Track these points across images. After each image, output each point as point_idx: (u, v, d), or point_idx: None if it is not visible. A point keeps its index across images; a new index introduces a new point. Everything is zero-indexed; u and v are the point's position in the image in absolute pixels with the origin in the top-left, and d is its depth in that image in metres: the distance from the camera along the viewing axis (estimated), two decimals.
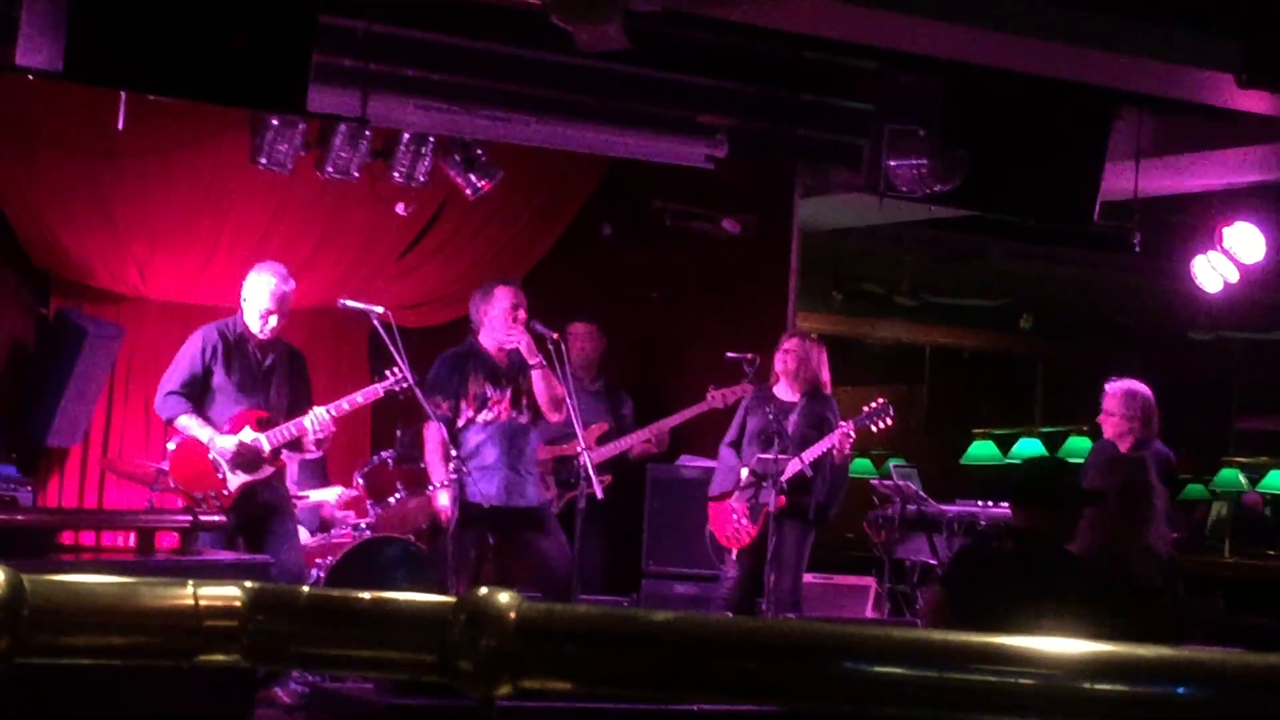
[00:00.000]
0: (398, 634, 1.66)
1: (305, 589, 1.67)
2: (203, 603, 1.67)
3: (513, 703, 1.80)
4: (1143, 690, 1.62)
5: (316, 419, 9.45)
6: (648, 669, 1.65)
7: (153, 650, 1.67)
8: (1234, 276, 12.37)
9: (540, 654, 1.64)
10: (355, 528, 10.43)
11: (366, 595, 1.66)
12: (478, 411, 9.95)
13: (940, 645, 1.69)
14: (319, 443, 9.61)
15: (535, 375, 9.89)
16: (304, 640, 1.69)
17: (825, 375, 10.87)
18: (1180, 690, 1.61)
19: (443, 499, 9.79)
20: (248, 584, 1.67)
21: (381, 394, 9.70)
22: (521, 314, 9.94)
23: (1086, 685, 1.63)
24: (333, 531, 10.56)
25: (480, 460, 9.88)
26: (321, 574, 9.83)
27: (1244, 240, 12.27)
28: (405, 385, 9.61)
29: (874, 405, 10.91)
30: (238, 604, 1.67)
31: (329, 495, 10.82)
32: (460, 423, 9.94)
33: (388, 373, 9.68)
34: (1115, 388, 10.43)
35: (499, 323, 9.96)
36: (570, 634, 1.65)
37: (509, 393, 9.98)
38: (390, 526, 10.41)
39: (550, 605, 1.67)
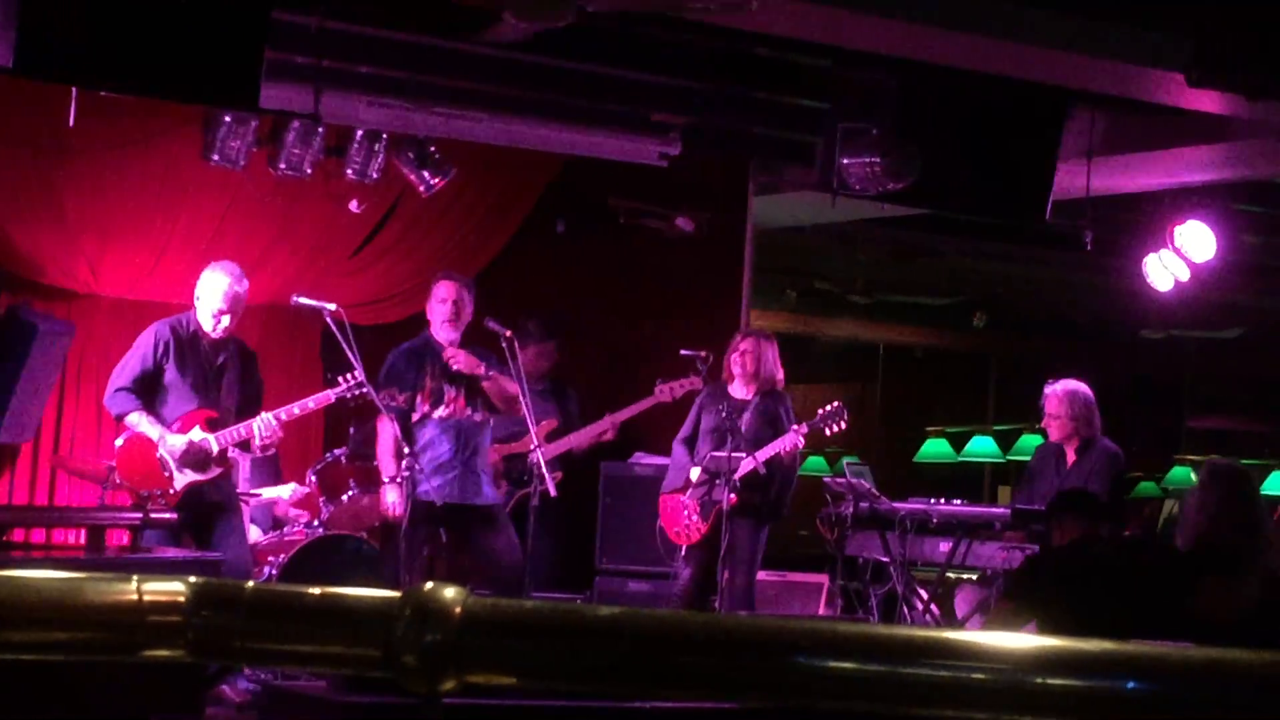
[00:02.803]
0: (342, 629, 1.66)
1: (250, 584, 1.66)
2: (146, 598, 1.66)
3: (464, 700, 1.79)
4: (1093, 685, 1.62)
5: (264, 425, 9.42)
6: (593, 664, 1.65)
7: (96, 646, 1.67)
8: (1185, 275, 12.42)
9: (485, 648, 1.64)
10: (308, 525, 10.41)
11: (311, 590, 1.65)
12: (434, 407, 9.95)
13: (889, 640, 1.69)
14: (265, 447, 9.59)
15: (486, 385, 9.91)
16: (248, 635, 1.68)
17: (779, 372, 10.90)
18: (1130, 685, 1.61)
19: (391, 495, 9.79)
20: (192, 579, 1.67)
21: (333, 399, 9.67)
22: (449, 308, 9.96)
23: (1038, 680, 1.63)
24: (285, 530, 10.54)
25: (434, 457, 9.89)
26: (274, 572, 9.81)
27: (1195, 239, 12.32)
28: (358, 391, 9.58)
29: (829, 409, 10.94)
30: (181, 599, 1.66)
31: (283, 492, 10.79)
32: (415, 417, 9.94)
33: (340, 379, 9.64)
34: (1055, 390, 10.50)
35: (435, 316, 10.02)
36: (515, 628, 1.65)
37: (464, 389, 9.99)
38: (343, 524, 10.39)
39: (496, 600, 1.66)
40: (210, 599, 1.67)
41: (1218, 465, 8.52)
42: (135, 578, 1.67)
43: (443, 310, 9.99)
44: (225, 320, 9.43)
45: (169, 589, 1.66)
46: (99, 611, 1.66)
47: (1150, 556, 7.76)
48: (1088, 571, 7.42)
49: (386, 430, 9.85)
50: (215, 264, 9.60)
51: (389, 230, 11.92)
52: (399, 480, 9.71)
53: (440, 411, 9.96)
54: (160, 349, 9.42)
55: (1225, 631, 7.29)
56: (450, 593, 1.62)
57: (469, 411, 10.01)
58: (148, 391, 9.43)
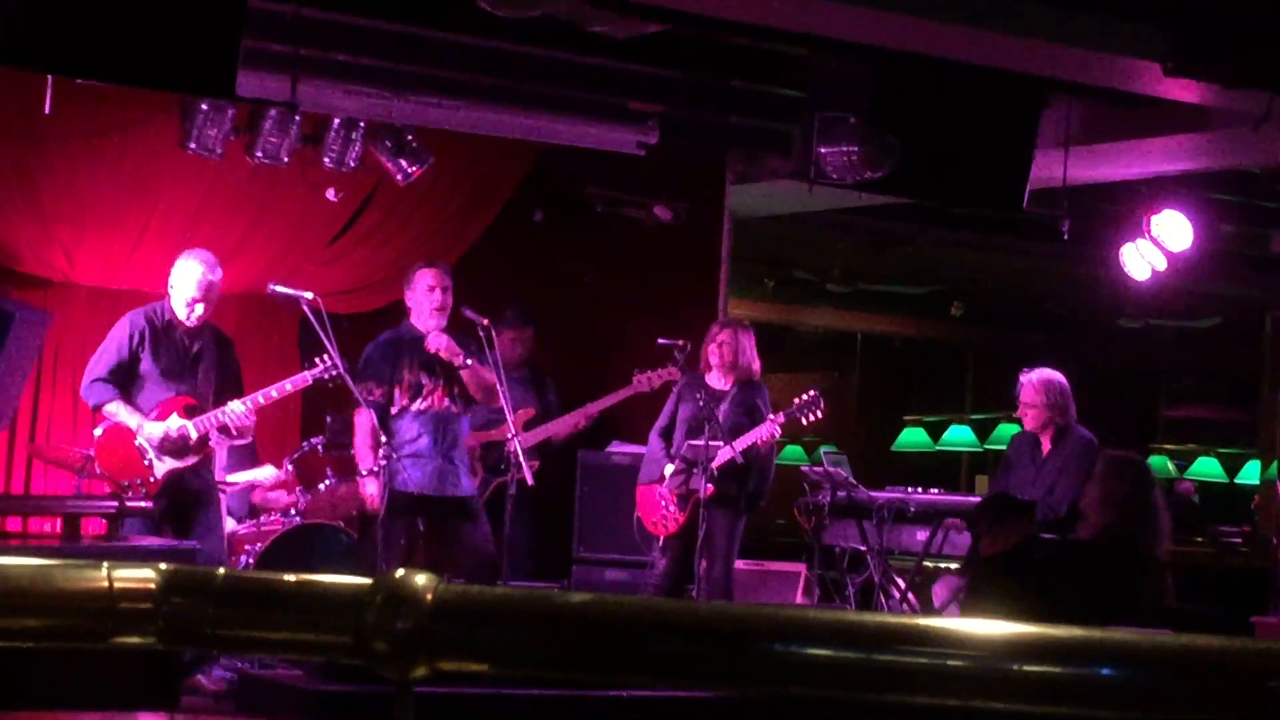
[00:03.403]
0: (313, 615, 1.65)
1: (221, 571, 1.66)
2: (117, 585, 1.65)
3: (438, 689, 1.79)
4: (1069, 671, 1.62)
5: (233, 413, 9.40)
6: (564, 650, 1.64)
7: (67, 632, 1.66)
8: (1162, 265, 12.44)
9: (456, 635, 1.63)
10: (285, 514, 10.40)
11: (282, 577, 1.64)
12: (412, 400, 9.92)
13: (865, 627, 1.69)
14: (240, 432, 9.57)
15: (464, 374, 9.88)
16: (219, 622, 1.67)
17: (756, 362, 10.90)
18: (1104, 671, 1.62)
19: (370, 487, 9.76)
20: (162, 566, 1.66)
21: (310, 381, 9.66)
22: (438, 296, 9.91)
23: (1015, 667, 1.63)
24: (262, 518, 10.52)
25: (413, 448, 9.86)
26: (251, 560, 9.79)
27: (1172, 228, 12.33)
28: (335, 373, 9.56)
29: (805, 398, 10.92)
30: (152, 586, 1.65)
31: (261, 474, 10.76)
32: (394, 410, 9.91)
33: (317, 360, 9.64)
34: (1030, 378, 10.51)
35: (423, 305, 9.96)
36: (486, 615, 1.64)
37: (443, 381, 9.96)
38: (320, 513, 10.38)
39: (467, 587, 1.66)
40: (181, 586, 1.66)
41: (1121, 458, 8.58)
42: (105, 564, 1.66)
43: (432, 299, 9.93)
44: (200, 308, 9.41)
45: (140, 576, 1.65)
46: (69, 598, 1.66)
47: (1090, 552, 7.74)
48: (1042, 572, 7.40)
49: (364, 422, 9.82)
50: (188, 252, 9.58)
51: (366, 219, 11.90)
52: (377, 471, 9.69)
53: (418, 404, 9.93)
54: (135, 338, 9.40)
55: (1172, 614, 7.34)
56: (422, 580, 1.61)
57: (447, 403, 9.99)
58: (124, 381, 9.41)
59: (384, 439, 9.63)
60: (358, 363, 9.89)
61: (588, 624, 1.63)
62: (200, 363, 9.53)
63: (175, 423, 9.35)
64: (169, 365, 9.45)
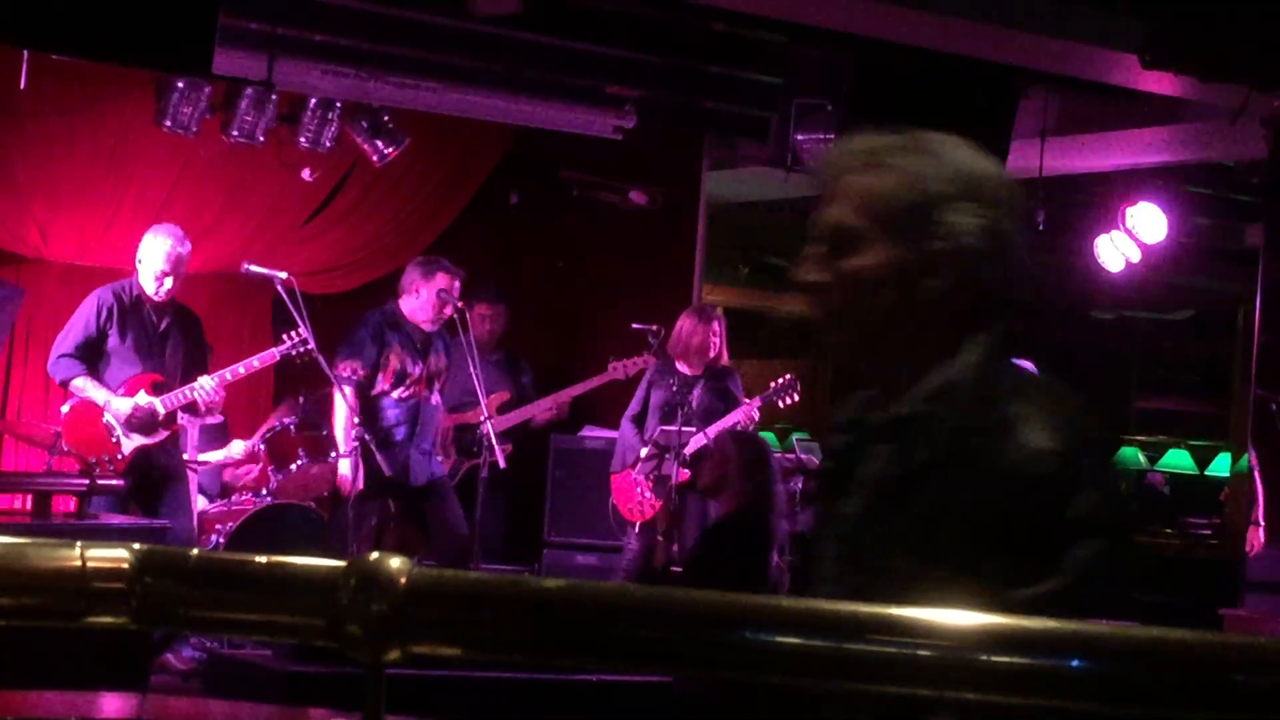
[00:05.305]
0: (287, 597, 1.64)
1: (195, 551, 1.65)
2: (90, 564, 1.65)
3: (409, 672, 1.79)
4: (1040, 663, 1.62)
5: (203, 388, 9.38)
6: (539, 636, 1.64)
7: (39, 612, 1.65)
8: (1136, 256, 12.47)
9: (430, 619, 1.63)
10: (256, 494, 10.38)
11: (256, 558, 1.64)
12: (394, 386, 9.92)
13: (834, 615, 1.69)
14: (209, 409, 9.55)
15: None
16: (192, 603, 1.67)
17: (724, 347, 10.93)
18: (1075, 663, 1.62)
19: (344, 468, 9.76)
20: (136, 546, 1.65)
21: (278, 358, 9.64)
22: (449, 309, 9.94)
23: (984, 658, 1.63)
24: (233, 497, 10.50)
25: (389, 433, 9.87)
26: (221, 540, 9.77)
27: (1146, 220, 12.37)
28: (303, 349, 9.54)
29: (781, 381, 10.95)
30: (125, 566, 1.65)
31: (233, 450, 10.74)
32: (374, 392, 9.91)
33: (284, 336, 9.63)
34: None
35: (428, 305, 9.95)
36: (461, 599, 1.64)
37: (425, 370, 9.99)
38: (292, 493, 10.36)
39: (441, 570, 1.65)
40: (154, 566, 1.66)
41: (744, 431, 8.64)
42: (79, 543, 1.65)
43: (438, 303, 9.92)
44: (168, 282, 9.39)
45: (113, 555, 1.65)
46: (41, 577, 1.65)
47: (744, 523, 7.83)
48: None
49: (341, 403, 9.82)
50: (156, 226, 9.57)
51: (341, 199, 11.89)
52: (353, 453, 9.69)
53: (400, 391, 9.94)
54: (103, 314, 9.38)
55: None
56: (396, 563, 1.61)
57: (427, 393, 10.02)
58: (91, 357, 9.38)
59: (355, 420, 9.62)
60: (345, 339, 9.89)
61: (563, 609, 1.63)
62: (168, 340, 9.51)
63: (143, 399, 9.34)
64: (136, 342, 9.42)
